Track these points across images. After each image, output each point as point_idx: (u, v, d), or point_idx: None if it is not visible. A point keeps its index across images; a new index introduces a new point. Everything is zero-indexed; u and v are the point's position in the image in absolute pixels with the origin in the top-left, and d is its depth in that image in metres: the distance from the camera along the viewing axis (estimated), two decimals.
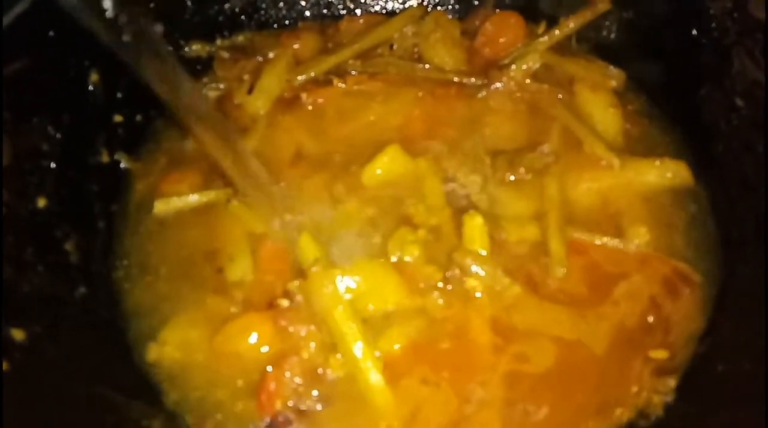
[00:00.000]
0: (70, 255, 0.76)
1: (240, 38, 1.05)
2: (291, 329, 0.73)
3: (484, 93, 0.95)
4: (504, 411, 0.69)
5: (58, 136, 0.80)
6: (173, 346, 0.74)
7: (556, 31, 0.98)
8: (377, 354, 0.71)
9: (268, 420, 0.67)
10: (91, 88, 0.86)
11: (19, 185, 0.73)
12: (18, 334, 0.61)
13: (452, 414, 0.69)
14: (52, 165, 0.78)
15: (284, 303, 0.73)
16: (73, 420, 0.59)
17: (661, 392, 0.68)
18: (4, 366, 0.57)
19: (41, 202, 0.75)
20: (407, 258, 0.78)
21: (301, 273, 0.76)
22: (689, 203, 0.83)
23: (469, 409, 0.69)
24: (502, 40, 1.00)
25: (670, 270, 0.78)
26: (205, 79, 1.00)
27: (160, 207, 0.84)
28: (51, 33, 0.80)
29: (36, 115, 0.78)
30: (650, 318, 0.75)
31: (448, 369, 0.71)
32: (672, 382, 0.68)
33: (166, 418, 0.67)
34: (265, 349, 0.72)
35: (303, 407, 0.69)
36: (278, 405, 0.67)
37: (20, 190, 0.73)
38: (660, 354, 0.72)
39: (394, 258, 0.78)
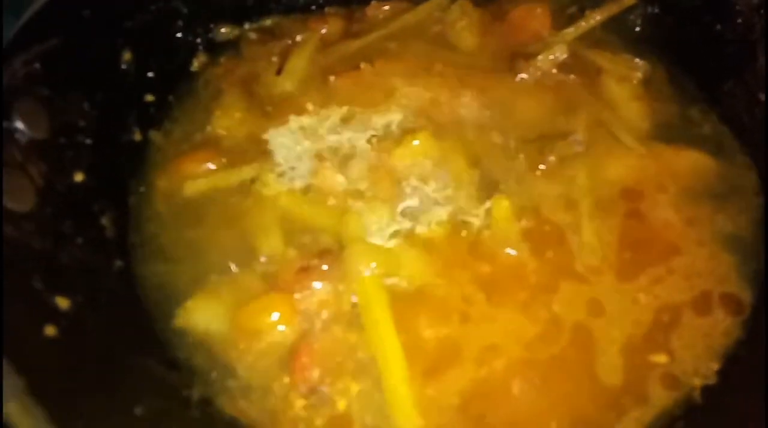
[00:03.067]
0: (106, 230, 0.77)
1: (268, 22, 1.05)
2: (312, 307, 0.76)
3: (510, 81, 0.96)
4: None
5: (93, 112, 0.81)
6: (200, 316, 0.75)
7: (583, 23, 0.99)
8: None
9: (304, 390, 0.68)
10: (123, 66, 0.88)
11: (57, 159, 0.74)
12: (62, 302, 0.63)
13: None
14: (88, 141, 0.79)
15: (317, 264, 0.75)
16: (116, 387, 0.61)
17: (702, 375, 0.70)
18: (52, 331, 0.58)
19: (78, 177, 0.76)
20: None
21: (327, 251, 0.78)
22: (714, 191, 0.85)
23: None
24: (528, 29, 1.02)
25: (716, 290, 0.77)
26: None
27: (190, 187, 0.85)
28: (86, 11, 0.81)
29: (72, 90, 0.79)
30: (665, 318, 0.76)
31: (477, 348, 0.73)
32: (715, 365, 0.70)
33: (203, 388, 0.69)
34: (283, 328, 0.74)
35: (331, 382, 0.71)
36: (314, 376, 0.69)
37: (58, 164, 0.74)
38: (660, 359, 0.73)
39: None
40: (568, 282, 0.78)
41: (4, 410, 0.46)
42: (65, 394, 0.52)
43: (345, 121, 0.93)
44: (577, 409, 0.71)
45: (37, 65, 0.74)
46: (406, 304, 0.75)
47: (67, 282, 0.66)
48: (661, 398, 0.71)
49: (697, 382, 0.70)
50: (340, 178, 0.86)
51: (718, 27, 0.95)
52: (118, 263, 0.76)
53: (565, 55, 0.95)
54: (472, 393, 0.71)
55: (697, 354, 0.73)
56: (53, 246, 0.68)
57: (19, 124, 0.70)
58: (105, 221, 0.77)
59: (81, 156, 0.78)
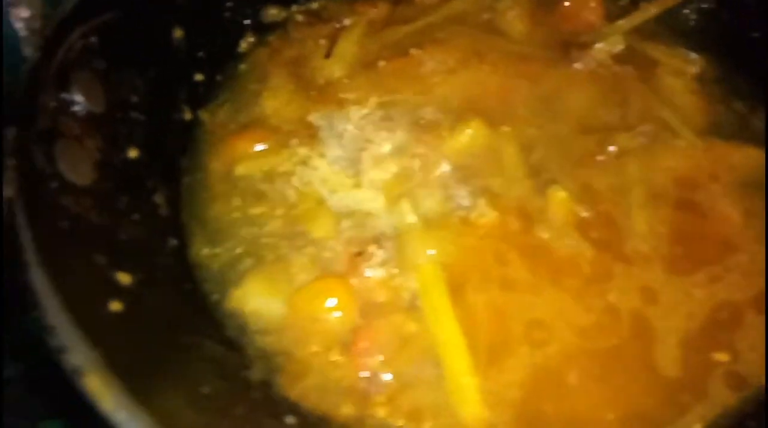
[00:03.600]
0: (160, 208, 0.76)
1: (314, 5, 1.04)
2: (369, 293, 0.74)
3: (563, 70, 0.94)
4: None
5: (146, 89, 0.79)
6: (253, 299, 0.74)
7: (638, 14, 0.98)
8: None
9: (366, 375, 0.67)
10: (175, 44, 0.86)
11: (112, 134, 0.73)
12: (124, 278, 0.61)
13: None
14: (141, 117, 0.78)
15: (372, 249, 0.74)
16: (181, 365, 0.59)
17: None
18: (117, 306, 0.57)
19: (132, 153, 0.75)
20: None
21: (380, 236, 0.77)
22: None
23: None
24: (580, 19, 1.00)
25: None
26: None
27: (242, 168, 0.83)
28: None
29: (126, 66, 0.77)
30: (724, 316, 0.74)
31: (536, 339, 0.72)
32: None
33: (262, 370, 0.67)
34: (340, 314, 0.73)
35: (391, 368, 0.69)
36: (374, 361, 0.68)
37: (113, 138, 0.73)
38: (722, 357, 0.71)
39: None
40: (622, 272, 0.76)
41: (85, 384, 0.45)
42: (138, 370, 0.51)
43: (395, 106, 0.91)
44: (635, 402, 0.69)
45: (94, 38, 0.72)
46: (460, 290, 0.74)
47: (127, 258, 0.64)
48: (723, 397, 0.69)
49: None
50: (390, 164, 0.85)
51: None
52: (173, 242, 0.75)
53: (621, 46, 0.94)
54: (530, 380, 0.69)
55: (762, 354, 0.71)
56: (111, 221, 0.66)
57: (78, 97, 0.68)
58: (158, 199, 0.76)
59: (134, 132, 0.76)
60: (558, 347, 0.71)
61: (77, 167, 0.65)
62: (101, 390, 0.45)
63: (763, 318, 0.74)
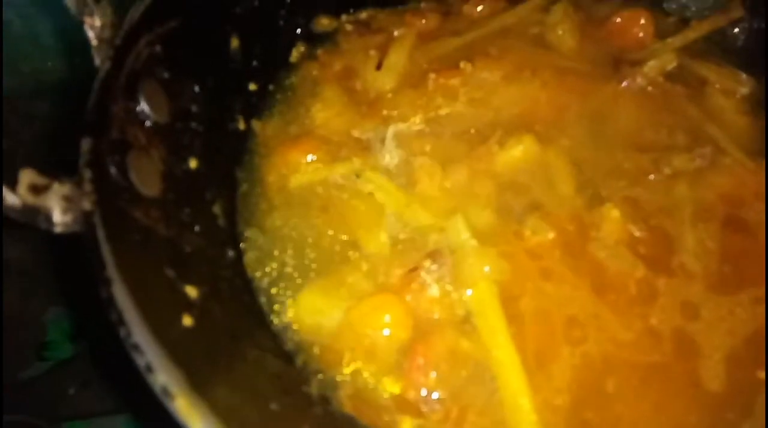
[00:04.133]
0: (219, 219, 0.76)
1: (363, 15, 1.04)
2: (423, 309, 0.75)
3: (614, 87, 0.94)
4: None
5: (204, 98, 0.80)
6: (309, 313, 0.74)
7: (689, 33, 0.97)
8: None
9: (419, 392, 0.67)
10: (231, 53, 0.86)
11: (175, 144, 0.73)
12: (192, 291, 0.62)
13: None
14: (200, 127, 0.78)
15: (428, 265, 0.74)
16: (248, 382, 0.60)
17: None
18: (189, 321, 0.57)
19: (193, 163, 0.75)
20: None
21: (436, 252, 0.77)
22: None
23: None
24: (630, 35, 1.00)
25: None
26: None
27: (296, 180, 0.84)
28: None
29: (187, 75, 0.78)
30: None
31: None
32: None
33: (319, 385, 0.68)
34: (393, 331, 0.73)
35: (445, 387, 0.69)
36: (430, 379, 0.68)
37: (176, 149, 0.73)
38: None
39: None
40: (667, 290, 0.76)
41: (175, 406, 0.45)
42: (217, 387, 0.51)
43: (445, 120, 0.92)
44: (679, 417, 0.69)
45: (158, 47, 0.73)
46: (514, 308, 0.74)
47: (193, 271, 0.65)
48: None
49: None
50: (442, 178, 0.85)
51: None
52: (231, 253, 0.75)
53: (674, 64, 0.94)
54: (575, 384, 0.70)
55: None
56: (177, 233, 0.67)
57: (144, 107, 0.69)
58: (217, 210, 0.77)
59: (194, 142, 0.77)
60: (598, 352, 0.71)
61: (146, 178, 0.65)
62: (189, 411, 0.46)
63: None
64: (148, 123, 0.69)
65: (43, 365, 1.05)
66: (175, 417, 0.45)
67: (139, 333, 0.49)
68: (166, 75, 0.74)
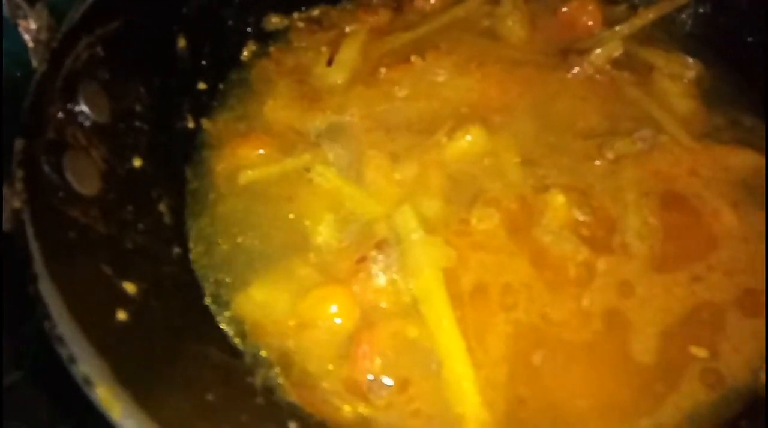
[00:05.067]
0: (164, 216, 0.77)
1: (316, 12, 1.05)
2: (370, 298, 0.75)
3: (562, 76, 0.95)
4: None
5: (150, 98, 0.81)
6: (256, 305, 0.75)
7: (636, 20, 0.99)
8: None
9: (364, 379, 0.68)
10: (178, 53, 0.87)
11: (117, 143, 0.74)
12: (130, 287, 0.62)
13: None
14: (145, 126, 0.79)
15: (375, 255, 0.75)
16: (186, 373, 0.60)
17: None
18: (123, 315, 0.58)
19: (137, 162, 0.76)
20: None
21: (383, 242, 0.78)
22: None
23: None
24: (579, 25, 1.01)
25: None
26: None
27: (245, 176, 0.85)
28: None
29: (131, 75, 0.78)
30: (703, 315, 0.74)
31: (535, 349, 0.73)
32: None
33: (264, 376, 0.69)
34: (341, 320, 0.74)
35: (392, 372, 0.70)
36: (375, 365, 0.69)
37: (118, 148, 0.74)
38: (701, 353, 0.72)
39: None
40: (608, 270, 0.77)
41: (96, 394, 0.46)
42: (144, 378, 0.52)
43: (396, 113, 0.93)
44: (609, 391, 0.70)
45: (99, 49, 0.73)
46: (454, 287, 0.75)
47: (133, 267, 0.65)
48: (697, 392, 0.70)
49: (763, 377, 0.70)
50: (391, 170, 0.86)
51: None
52: (176, 250, 0.76)
53: (620, 52, 0.95)
54: (512, 370, 0.70)
55: (746, 356, 0.72)
56: (117, 231, 0.67)
57: (84, 107, 0.69)
58: (162, 208, 0.77)
59: (139, 141, 0.77)
60: (528, 322, 0.73)
61: (84, 178, 0.66)
62: (110, 400, 0.46)
63: (749, 321, 0.74)
64: (87, 123, 0.70)
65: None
66: (97, 407, 0.46)
67: (62, 325, 0.49)
68: (107, 76, 0.74)
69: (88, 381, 0.47)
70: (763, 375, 0.71)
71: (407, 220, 0.79)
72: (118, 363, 0.50)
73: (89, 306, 0.55)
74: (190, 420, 0.52)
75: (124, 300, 0.61)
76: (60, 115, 0.66)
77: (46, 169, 0.62)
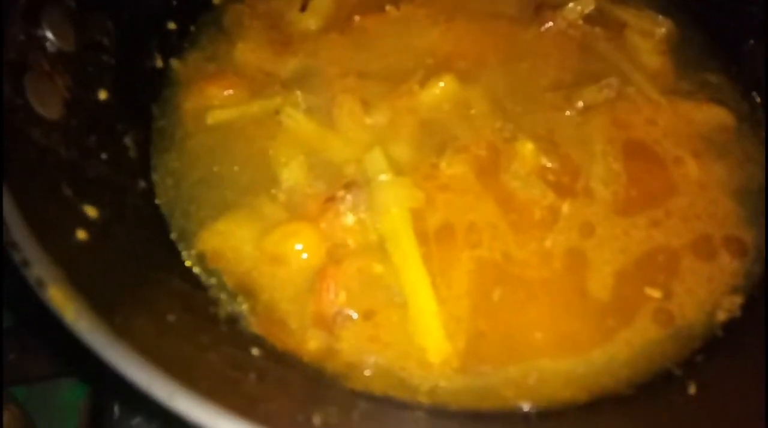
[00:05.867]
0: (129, 150, 0.76)
1: None
2: (338, 236, 0.76)
3: (535, 30, 0.96)
4: None
5: (117, 33, 0.79)
6: (223, 241, 0.75)
7: None
8: None
9: (329, 312, 0.68)
10: None
11: (82, 73, 0.73)
12: (91, 211, 0.62)
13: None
14: (112, 60, 0.78)
15: (343, 195, 0.75)
16: (146, 295, 0.60)
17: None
18: (83, 235, 0.58)
19: (102, 95, 0.75)
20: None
21: (352, 183, 0.78)
22: (734, 143, 0.86)
23: None
24: None
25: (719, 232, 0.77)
26: None
27: (214, 116, 0.84)
28: None
29: (97, 7, 0.77)
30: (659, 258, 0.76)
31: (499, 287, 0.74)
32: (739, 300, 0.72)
33: (229, 308, 0.69)
34: (307, 256, 0.74)
35: (357, 307, 0.71)
36: (339, 299, 0.69)
37: (83, 78, 0.73)
38: (655, 293, 0.74)
39: None
40: (571, 213, 0.78)
41: (48, 294, 0.46)
42: (102, 289, 0.52)
43: (368, 60, 0.92)
44: (564, 323, 0.71)
45: None
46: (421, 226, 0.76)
47: (94, 193, 0.64)
48: (649, 329, 0.72)
49: (722, 316, 0.72)
50: (363, 115, 0.86)
51: None
52: (142, 184, 0.75)
53: (592, 7, 0.95)
54: (473, 304, 0.72)
55: (699, 298, 0.74)
56: (79, 157, 0.66)
57: (48, 33, 0.68)
58: (128, 141, 0.76)
59: (105, 75, 0.76)
60: (490, 259, 0.74)
61: (46, 102, 0.65)
62: (63, 301, 0.46)
63: (703, 264, 0.76)
64: (52, 49, 0.69)
65: None
66: (50, 309, 0.46)
67: (17, 231, 0.49)
68: (73, 4, 0.73)
69: (40, 283, 0.46)
70: (720, 314, 0.73)
71: (377, 162, 0.79)
72: (74, 271, 0.50)
73: (47, 221, 0.54)
74: (146, 330, 0.52)
75: (85, 222, 0.60)
76: (21, 37, 0.65)
77: (7, 88, 0.61)
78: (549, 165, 0.82)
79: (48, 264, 0.48)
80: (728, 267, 0.75)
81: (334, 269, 0.72)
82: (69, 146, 0.65)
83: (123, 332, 0.47)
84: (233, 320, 0.68)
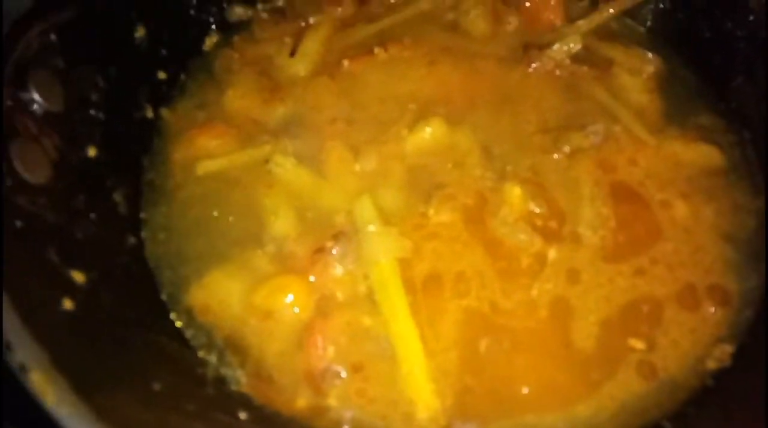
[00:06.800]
0: (119, 206, 0.76)
1: (280, 2, 1.04)
2: (327, 287, 0.76)
3: (523, 70, 0.96)
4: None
5: (106, 87, 0.80)
6: (212, 295, 0.75)
7: (596, 15, 1.00)
8: None
9: (318, 367, 0.69)
10: (137, 42, 0.86)
11: (71, 132, 0.73)
12: (78, 276, 0.62)
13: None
14: (101, 115, 0.78)
15: (332, 246, 0.75)
16: (133, 363, 0.60)
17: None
18: (69, 304, 0.58)
19: (91, 152, 0.75)
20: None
21: (341, 233, 0.78)
22: (724, 185, 0.86)
23: None
24: (541, 19, 1.02)
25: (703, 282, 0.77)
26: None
27: (203, 167, 0.84)
28: None
29: (86, 64, 0.78)
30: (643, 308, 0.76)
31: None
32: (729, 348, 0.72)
33: (217, 367, 0.69)
34: (297, 310, 0.74)
35: (345, 361, 0.71)
36: (328, 354, 0.69)
37: (72, 137, 0.73)
38: (638, 345, 0.73)
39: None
40: (558, 260, 0.78)
41: (29, 380, 0.46)
42: (85, 367, 0.52)
43: (357, 105, 0.93)
44: (549, 376, 0.71)
45: (52, 36, 0.72)
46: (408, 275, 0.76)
47: (82, 256, 0.65)
48: (632, 382, 0.71)
49: (711, 365, 0.72)
50: (352, 162, 0.86)
51: (729, 24, 0.95)
52: (131, 240, 0.76)
53: (578, 46, 0.96)
54: (460, 357, 0.72)
55: (684, 349, 0.73)
56: (67, 220, 0.67)
57: (35, 95, 0.69)
58: (118, 197, 0.77)
59: (94, 131, 0.77)
60: (477, 309, 0.74)
61: (33, 166, 0.65)
62: (44, 386, 0.46)
63: (687, 315, 0.76)
64: (39, 111, 0.69)
65: None
66: (31, 394, 0.46)
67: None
68: (61, 64, 0.74)
69: (22, 368, 0.46)
70: (710, 363, 0.72)
71: (365, 212, 0.79)
72: (57, 350, 0.50)
73: (32, 294, 0.54)
74: (130, 408, 0.52)
75: (71, 289, 0.60)
76: (9, 103, 0.66)
77: None
78: (537, 210, 0.82)
79: (31, 346, 0.48)
80: (711, 318, 0.75)
81: (322, 323, 0.72)
82: (57, 210, 0.66)
83: (106, 412, 0.48)
84: (221, 381, 0.68)
